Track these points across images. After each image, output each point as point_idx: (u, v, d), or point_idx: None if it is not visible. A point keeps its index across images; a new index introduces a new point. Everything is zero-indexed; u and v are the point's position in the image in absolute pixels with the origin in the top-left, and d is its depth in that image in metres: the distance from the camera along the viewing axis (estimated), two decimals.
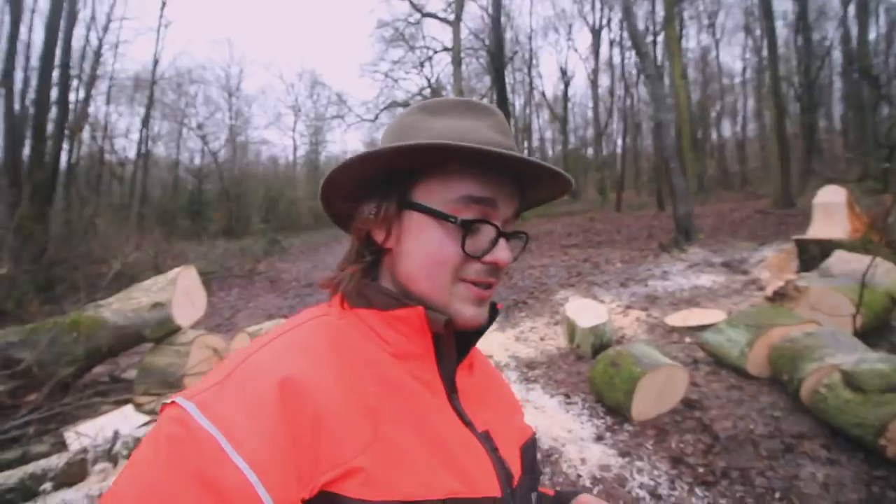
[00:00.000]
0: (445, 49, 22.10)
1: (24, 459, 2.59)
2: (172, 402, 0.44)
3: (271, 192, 24.39)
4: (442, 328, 0.53)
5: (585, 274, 6.67)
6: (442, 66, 25.22)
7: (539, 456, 2.68)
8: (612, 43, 22.88)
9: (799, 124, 17.11)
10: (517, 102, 28.98)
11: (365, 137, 36.92)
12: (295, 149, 32.88)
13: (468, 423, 0.55)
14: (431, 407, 0.53)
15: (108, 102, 21.22)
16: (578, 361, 3.99)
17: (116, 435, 2.61)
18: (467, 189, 0.53)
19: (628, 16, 8.80)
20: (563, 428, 2.96)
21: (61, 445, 2.72)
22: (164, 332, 3.68)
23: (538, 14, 49.56)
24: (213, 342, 3.70)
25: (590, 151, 27.80)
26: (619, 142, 25.95)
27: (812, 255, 4.68)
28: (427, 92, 26.32)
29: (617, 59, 23.24)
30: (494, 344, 4.55)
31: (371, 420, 0.46)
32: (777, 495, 2.27)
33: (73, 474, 2.42)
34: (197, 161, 26.60)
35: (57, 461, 2.44)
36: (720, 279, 5.48)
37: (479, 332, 0.58)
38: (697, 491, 2.35)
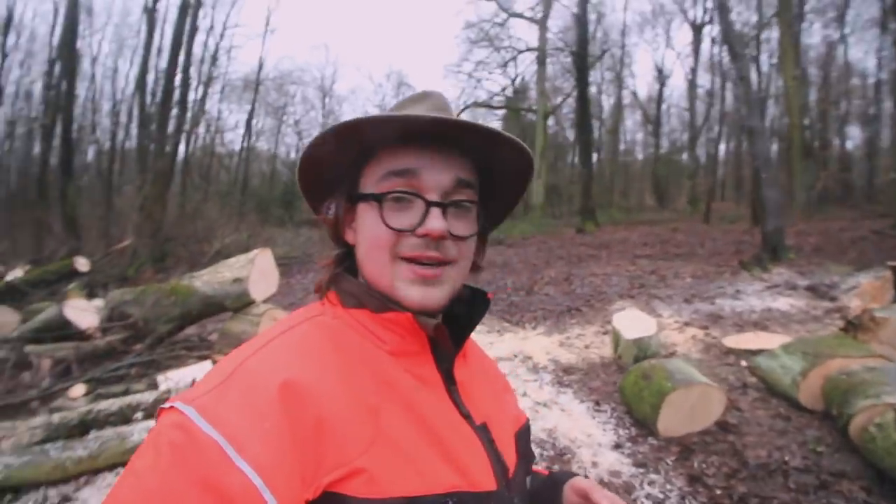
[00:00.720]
0: (530, 49, 21.88)
1: (125, 393, 3.22)
2: (171, 407, 0.44)
3: None
4: (433, 331, 0.54)
5: (649, 286, 6.40)
6: (526, 65, 24.93)
7: (553, 452, 2.76)
8: (713, 40, 21.11)
9: None
10: (606, 103, 27.82)
11: None
12: None
13: (466, 416, 0.56)
14: (430, 403, 0.53)
15: (220, 101, 24.02)
16: (618, 372, 3.93)
17: (194, 381, 3.14)
18: (388, 165, 0.54)
19: (722, 11, 8.19)
20: (582, 432, 3.00)
21: (153, 386, 3.32)
22: (242, 303, 4.26)
23: (633, 10, 46.95)
24: (280, 315, 4.21)
25: (684, 157, 25.88)
26: (718, 147, 23.88)
27: None
28: (509, 91, 26.29)
29: (718, 58, 21.39)
30: (537, 347, 4.60)
31: (372, 419, 0.47)
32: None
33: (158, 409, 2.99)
34: (293, 155, 29.17)
35: (148, 397, 3.01)
36: (800, 304, 4.99)
37: (471, 323, 0.60)
38: None
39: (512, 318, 5.74)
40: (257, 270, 4.40)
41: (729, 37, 7.92)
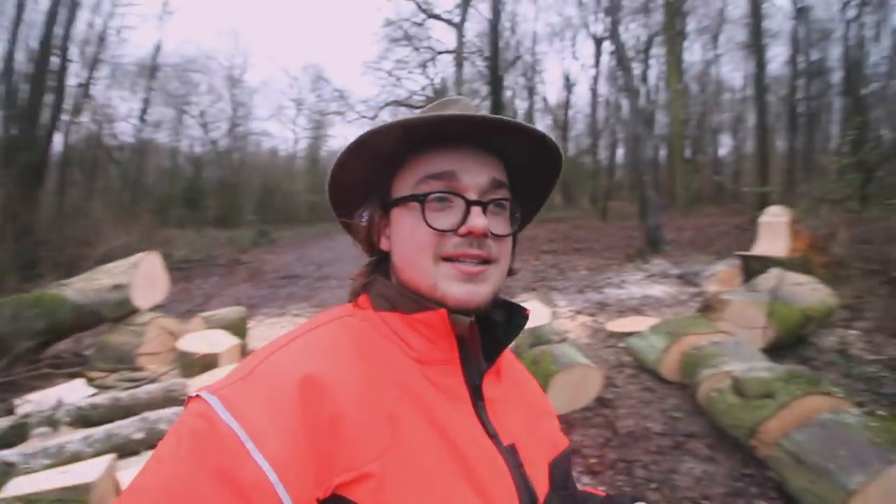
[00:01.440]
0: (448, 51, 22.33)
1: None
2: (197, 396, 0.45)
3: (268, 183, 24.64)
4: (466, 329, 0.53)
5: (550, 279, 6.89)
6: (444, 66, 25.39)
7: None
8: (612, 54, 23.02)
9: (797, 143, 17.28)
10: (521, 108, 29.15)
11: None
12: (295, 141, 33.13)
13: (492, 436, 0.53)
14: (454, 417, 0.51)
15: (110, 88, 21.50)
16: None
17: (59, 403, 2.83)
18: (425, 168, 0.54)
19: (615, 30, 9.01)
20: None
21: (9, 411, 2.94)
22: (123, 312, 3.91)
23: (544, 21, 49.81)
24: (168, 324, 3.92)
25: (588, 160, 27.99)
26: (616, 151, 26.17)
27: (754, 270, 4.89)
28: (429, 91, 26.61)
29: (616, 70, 23.38)
30: None
31: (390, 426, 0.46)
32: (653, 486, 2.48)
33: (14, 436, 2.65)
34: (197, 149, 26.91)
35: (2, 423, 2.66)
36: (671, 290, 5.70)
37: (507, 337, 0.59)
38: (584, 479, 2.56)
39: None
40: (142, 275, 4.06)
41: (620, 53, 8.74)
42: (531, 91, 27.63)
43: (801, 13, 16.60)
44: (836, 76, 19.76)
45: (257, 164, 28.20)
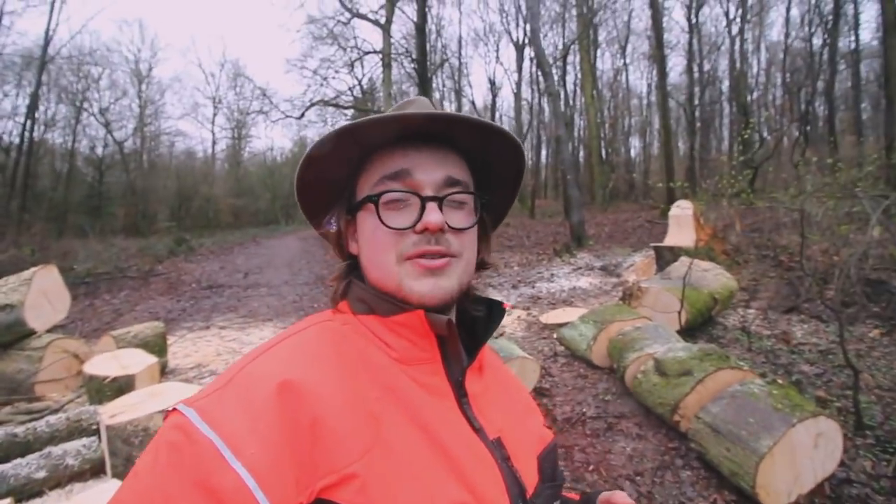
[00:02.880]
0: (375, 52, 22.05)
1: None
2: (174, 410, 0.44)
3: (184, 187, 22.83)
4: (444, 329, 0.52)
5: (485, 276, 7.05)
6: (372, 66, 25.06)
7: None
8: (532, 60, 24.10)
9: (696, 143, 19.20)
10: (449, 110, 29.49)
11: (293, 135, 35.71)
12: (214, 142, 30.99)
13: (478, 430, 0.53)
14: (438, 413, 0.51)
15: None
16: None
17: None
18: (382, 169, 0.54)
19: (534, 37, 9.43)
20: None
21: None
22: (15, 336, 3.43)
23: (468, 26, 50.99)
24: (71, 346, 3.50)
25: None
26: (541, 152, 27.43)
27: (667, 260, 5.35)
28: (357, 91, 26.10)
29: (537, 75, 24.51)
30: None
31: (372, 426, 0.45)
32: (591, 468, 2.62)
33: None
34: (99, 150, 24.21)
35: None
36: (596, 281, 6.07)
37: (486, 332, 0.59)
38: None
39: None
40: (36, 293, 3.58)
41: (540, 59, 9.15)
42: (458, 93, 28.13)
43: (693, 28, 18.47)
44: (725, 85, 22.29)
45: (171, 166, 26.01)
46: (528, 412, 0.67)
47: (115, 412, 2.36)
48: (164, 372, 3.88)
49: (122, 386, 3.02)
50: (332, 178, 0.58)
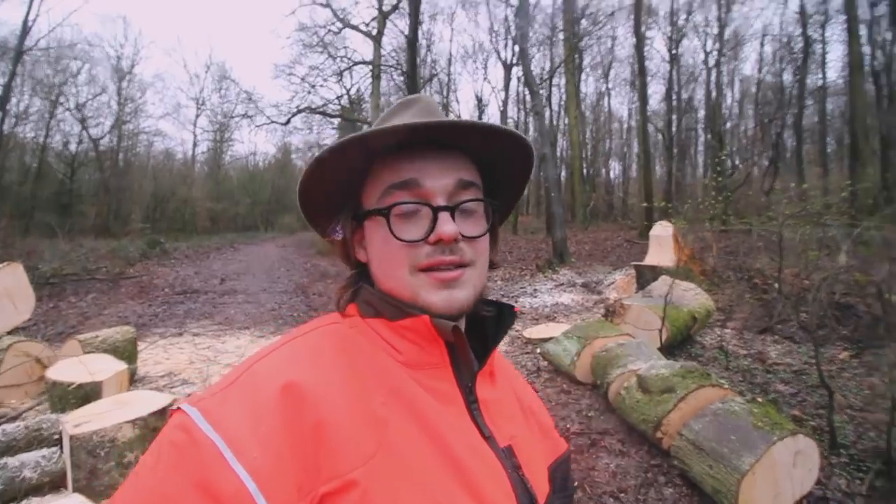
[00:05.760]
0: (365, 62, 22.13)
1: None
2: (178, 409, 0.44)
3: (161, 188, 22.24)
4: (451, 335, 0.51)
5: None
6: (361, 76, 25.14)
7: None
8: (519, 80, 24.63)
9: (673, 168, 19.85)
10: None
11: (277, 141, 35.31)
12: (195, 144, 30.38)
13: (488, 437, 0.52)
14: (446, 419, 0.49)
15: None
16: None
17: None
18: (388, 178, 0.53)
19: (523, 57, 9.65)
20: None
21: None
22: None
23: (458, 43, 51.90)
24: (34, 349, 3.31)
25: None
26: None
27: (647, 278, 5.45)
28: (345, 101, 26.09)
29: (523, 95, 25.04)
30: None
31: (377, 431, 0.45)
32: (575, 484, 2.60)
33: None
34: (73, 147, 23.40)
35: None
36: (578, 297, 6.13)
37: (497, 335, 0.58)
38: None
39: None
40: None
41: (528, 78, 9.35)
42: (446, 108, 28.45)
43: (673, 58, 19.22)
44: (701, 114, 23.17)
45: (148, 166, 25.35)
46: (539, 417, 0.65)
47: (80, 421, 2.23)
48: (134, 380, 3.71)
49: (88, 393, 2.87)
50: (336, 185, 0.56)
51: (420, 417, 0.48)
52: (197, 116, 30.14)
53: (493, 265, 0.61)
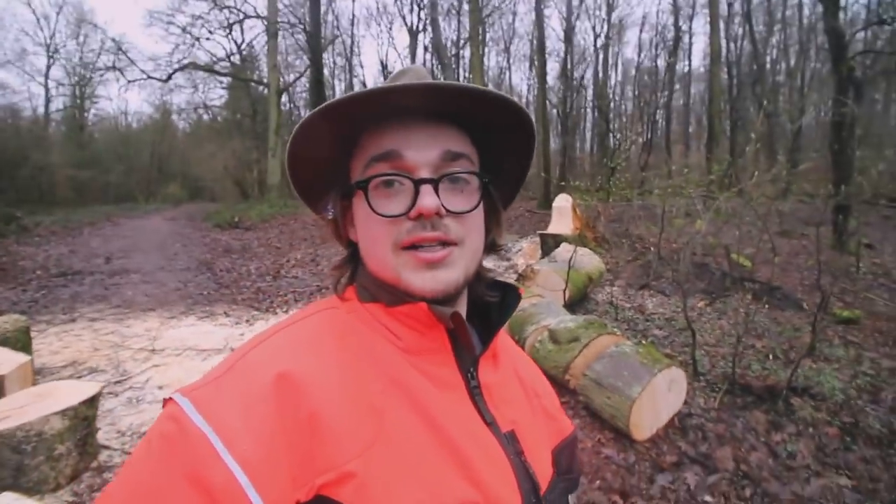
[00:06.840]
0: (259, 16, 20.17)
1: None
2: (170, 399, 0.42)
3: (7, 151, 18.54)
4: (450, 322, 0.49)
5: None
6: (255, 33, 22.95)
7: None
8: (426, 48, 24.41)
9: (562, 143, 21.51)
10: (338, 88, 28.46)
11: (157, 99, 31.00)
12: (48, 100, 25.57)
13: (490, 423, 0.51)
14: (446, 406, 0.48)
15: None
16: None
17: None
18: (371, 150, 0.50)
19: (434, 28, 9.68)
20: None
21: None
22: None
23: (361, 3, 49.27)
24: None
25: None
26: None
27: (550, 246, 6.10)
28: (236, 59, 23.68)
29: (430, 64, 24.91)
30: None
31: (374, 421, 0.44)
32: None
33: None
34: None
35: None
36: (489, 264, 6.62)
37: (501, 318, 0.56)
38: None
39: (261, 305, 5.51)
40: None
41: (438, 49, 9.43)
42: (350, 71, 27.29)
43: (567, 37, 20.50)
44: (590, 92, 25.20)
45: None
46: (544, 400, 0.64)
47: None
48: (35, 371, 3.35)
49: None
50: (323, 160, 0.53)
51: (419, 406, 0.47)
52: (49, 67, 25.32)
53: (496, 247, 0.60)
